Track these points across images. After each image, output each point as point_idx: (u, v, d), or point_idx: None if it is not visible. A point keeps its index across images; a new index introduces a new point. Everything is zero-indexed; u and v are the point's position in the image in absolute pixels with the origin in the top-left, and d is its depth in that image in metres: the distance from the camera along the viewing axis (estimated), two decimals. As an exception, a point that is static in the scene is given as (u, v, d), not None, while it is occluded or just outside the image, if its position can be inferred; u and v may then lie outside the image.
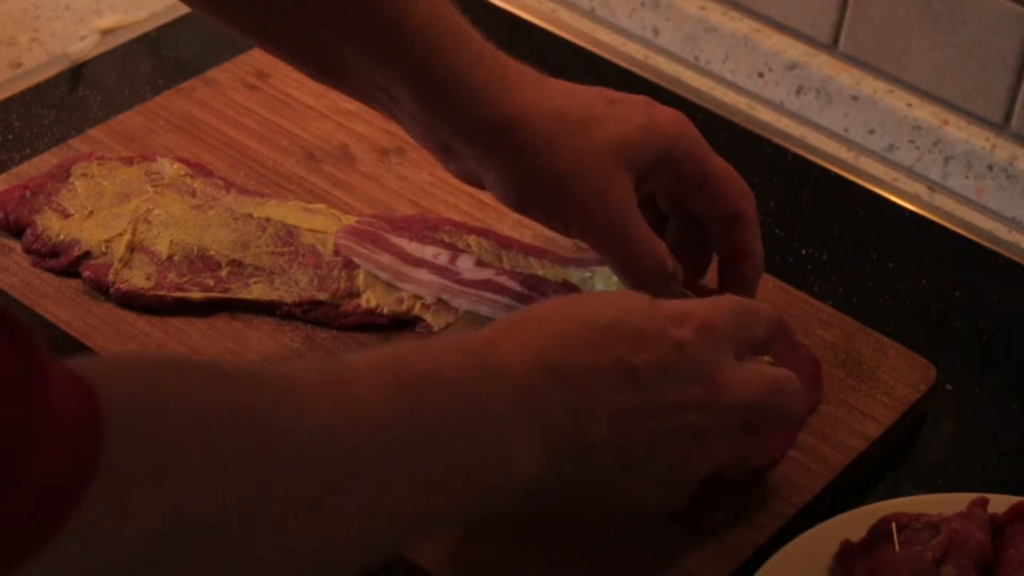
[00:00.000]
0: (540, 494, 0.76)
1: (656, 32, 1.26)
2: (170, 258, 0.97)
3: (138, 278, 0.95)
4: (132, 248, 0.97)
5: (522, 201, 0.89)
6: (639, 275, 0.88)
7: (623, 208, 0.87)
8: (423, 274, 0.96)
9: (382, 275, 0.96)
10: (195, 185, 1.01)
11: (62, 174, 1.02)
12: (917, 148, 1.17)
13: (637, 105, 0.89)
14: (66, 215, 0.99)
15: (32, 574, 0.56)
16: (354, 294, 0.96)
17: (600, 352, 0.77)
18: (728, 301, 0.84)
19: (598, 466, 0.77)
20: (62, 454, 0.56)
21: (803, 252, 1.08)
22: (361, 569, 0.70)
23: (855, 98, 1.19)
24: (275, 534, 0.64)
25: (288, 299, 0.95)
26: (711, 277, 0.95)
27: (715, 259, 0.94)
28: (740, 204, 0.91)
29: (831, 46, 1.20)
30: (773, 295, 0.99)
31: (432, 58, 0.85)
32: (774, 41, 1.22)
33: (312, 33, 0.86)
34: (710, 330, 0.80)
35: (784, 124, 1.21)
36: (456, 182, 0.93)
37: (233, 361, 0.80)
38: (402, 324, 0.95)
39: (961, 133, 1.16)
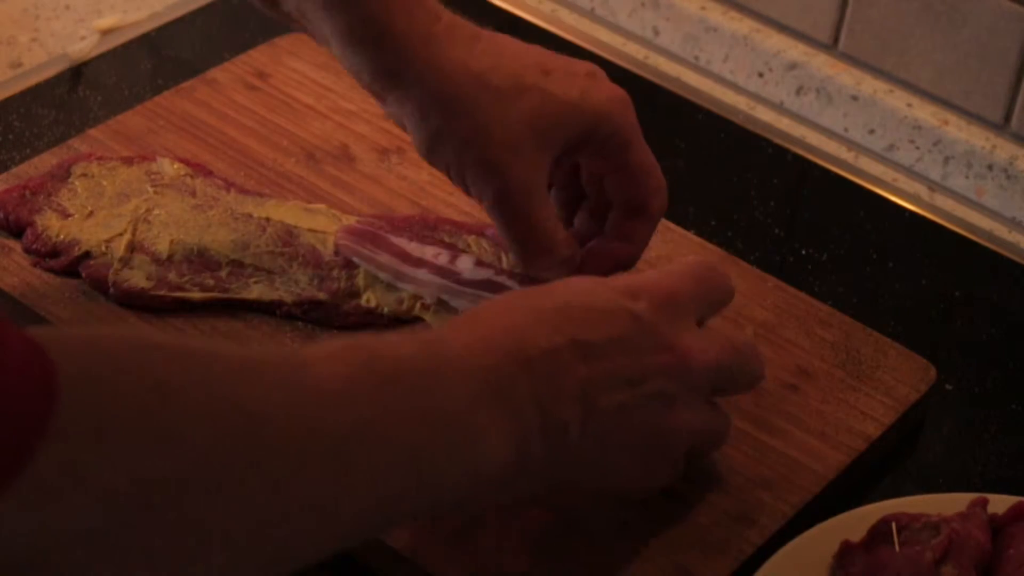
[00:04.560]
0: (518, 481, 0.75)
1: (656, 32, 1.26)
2: (170, 258, 0.97)
3: (138, 278, 0.95)
4: (132, 248, 0.97)
5: (429, 155, 0.89)
6: (528, 256, 0.88)
7: (523, 186, 0.87)
8: (423, 274, 0.96)
9: (382, 275, 0.96)
10: (195, 185, 1.02)
11: (62, 174, 1.02)
12: (917, 148, 1.17)
13: (574, 77, 0.88)
14: (66, 215, 0.99)
15: None
16: (354, 294, 0.96)
17: (555, 335, 0.77)
18: (687, 266, 0.84)
19: (574, 447, 0.77)
20: (11, 411, 0.55)
21: (803, 252, 1.08)
22: (331, 552, 0.69)
23: (855, 98, 1.19)
24: (237, 507, 0.63)
25: (288, 299, 0.95)
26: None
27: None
28: (649, 198, 0.91)
29: (831, 46, 1.20)
30: (773, 295, 0.99)
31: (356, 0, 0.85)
32: (774, 41, 1.22)
33: None
34: (667, 298, 0.81)
35: (784, 124, 1.21)
36: (456, 182, 0.93)
37: (197, 337, 0.78)
38: (402, 324, 0.95)
39: (961, 133, 1.16)
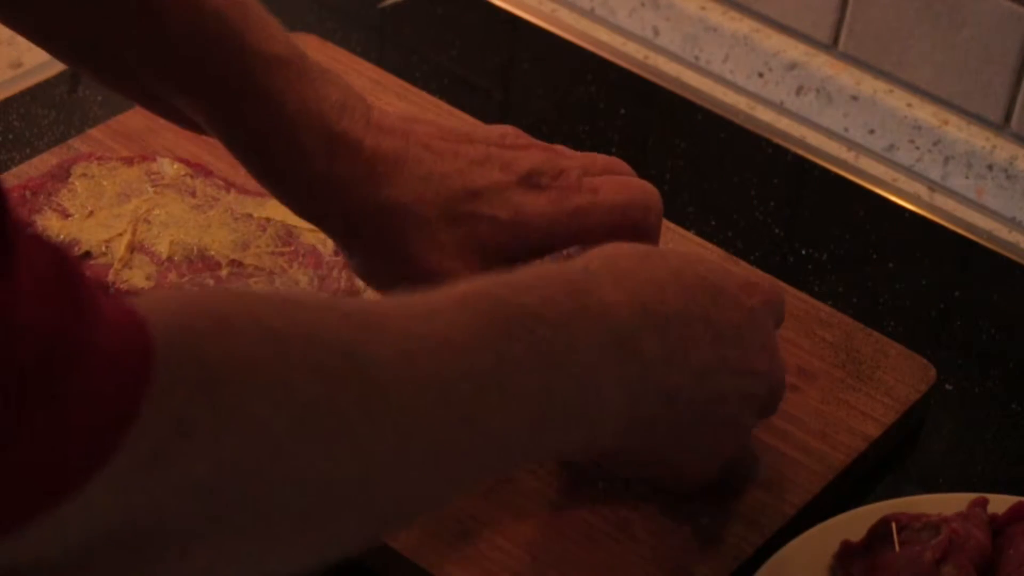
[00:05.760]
0: (622, 435, 0.76)
1: (656, 32, 1.26)
2: (170, 258, 0.97)
3: (138, 278, 0.95)
4: (132, 248, 0.97)
5: (374, 287, 0.89)
6: None
7: None
8: (423, 274, 0.96)
9: (382, 275, 0.96)
10: (195, 185, 1.02)
11: (62, 174, 1.02)
12: (917, 148, 1.17)
13: (504, 193, 0.85)
14: (66, 215, 0.99)
15: (96, 494, 0.54)
16: (354, 294, 0.96)
17: (691, 304, 0.78)
18: (772, 280, 0.87)
19: (676, 415, 0.78)
20: (115, 370, 0.54)
21: (803, 252, 1.08)
22: (445, 504, 0.70)
23: (855, 98, 1.19)
24: (351, 458, 0.61)
25: (288, 299, 0.95)
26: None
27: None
28: (636, 231, 0.87)
29: (831, 46, 1.20)
30: (773, 295, 1.00)
31: (268, 145, 0.82)
32: (774, 41, 1.22)
33: (157, 96, 0.84)
34: (769, 303, 0.83)
35: (784, 124, 1.21)
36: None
37: (307, 292, 0.77)
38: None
39: (961, 133, 1.16)
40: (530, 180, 0.86)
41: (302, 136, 0.82)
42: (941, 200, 1.16)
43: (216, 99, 0.82)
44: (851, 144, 1.20)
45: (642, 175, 0.89)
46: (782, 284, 0.90)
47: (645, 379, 0.75)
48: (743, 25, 1.23)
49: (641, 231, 0.87)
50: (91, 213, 0.99)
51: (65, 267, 0.54)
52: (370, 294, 0.96)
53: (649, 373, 0.76)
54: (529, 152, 0.87)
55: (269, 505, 0.59)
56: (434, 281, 0.82)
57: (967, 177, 1.16)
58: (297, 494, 0.60)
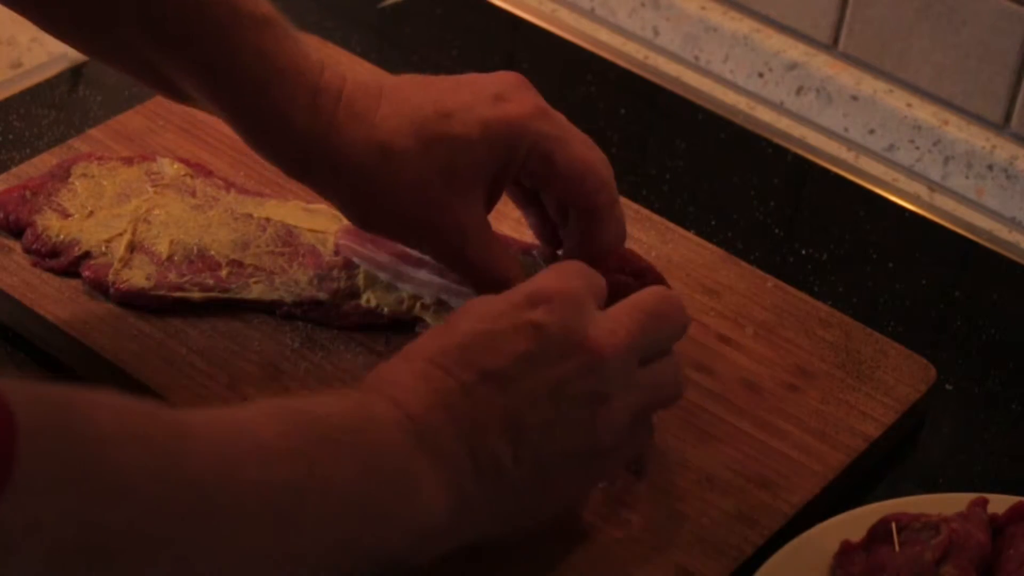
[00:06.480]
0: (463, 524, 0.75)
1: (656, 32, 1.26)
2: (170, 258, 0.97)
3: (138, 278, 0.95)
4: (132, 248, 0.97)
5: (365, 228, 0.91)
6: (484, 290, 0.86)
7: (459, 235, 0.88)
8: (423, 274, 0.96)
9: (382, 275, 0.96)
10: (195, 185, 1.01)
11: (62, 174, 1.02)
12: (917, 148, 1.17)
13: (475, 110, 0.88)
14: (66, 215, 0.99)
15: None
16: (354, 294, 0.96)
17: (464, 372, 0.76)
18: (569, 265, 0.83)
19: (511, 478, 0.76)
20: None
21: (803, 252, 1.08)
22: None
23: (855, 98, 1.19)
24: (181, 562, 0.64)
25: (288, 299, 0.95)
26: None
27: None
28: (591, 198, 0.89)
29: (831, 46, 1.20)
30: (773, 295, 0.99)
31: (260, 97, 0.86)
32: (774, 41, 1.22)
33: (145, 59, 0.87)
34: (562, 298, 0.79)
35: (784, 124, 1.21)
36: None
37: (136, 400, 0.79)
38: (402, 324, 0.95)
39: (961, 133, 1.16)
40: (499, 97, 0.88)
41: (290, 88, 0.86)
42: (941, 200, 1.16)
43: (209, 58, 0.85)
44: (851, 144, 1.20)
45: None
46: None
47: (456, 468, 0.74)
48: (743, 25, 1.23)
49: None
50: (91, 213, 0.99)
51: None
52: (370, 295, 0.96)
53: (456, 460, 0.75)
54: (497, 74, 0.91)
55: None
56: (421, 218, 0.87)
57: (967, 177, 1.16)
58: None
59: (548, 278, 0.81)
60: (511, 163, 0.88)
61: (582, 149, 0.89)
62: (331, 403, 0.74)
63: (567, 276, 0.81)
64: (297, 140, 0.87)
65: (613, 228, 0.91)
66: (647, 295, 0.82)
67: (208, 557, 0.65)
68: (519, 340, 0.77)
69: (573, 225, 0.91)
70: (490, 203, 0.90)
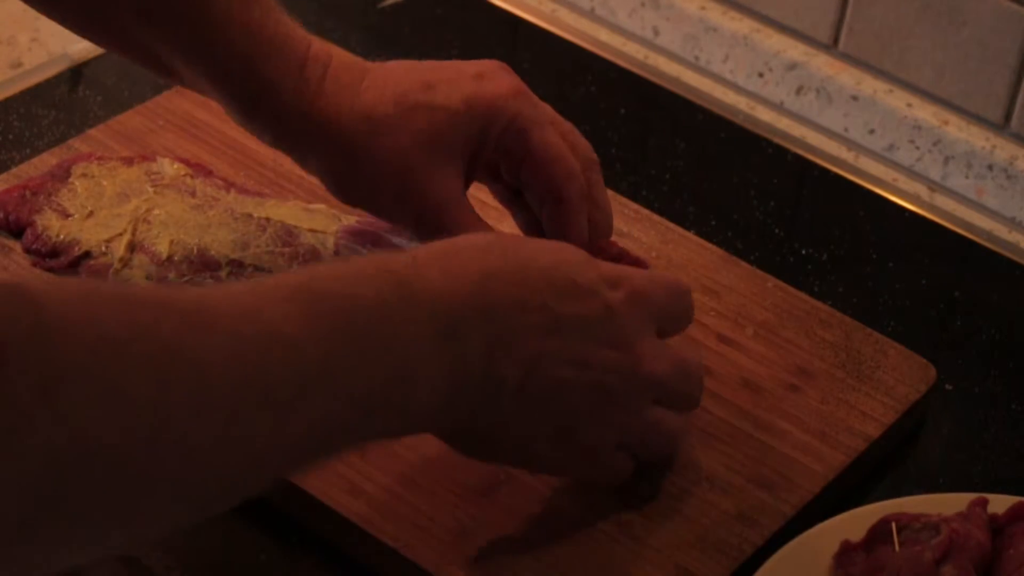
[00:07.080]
0: (438, 420, 0.77)
1: (656, 32, 1.26)
2: (170, 258, 0.97)
3: (138, 278, 0.95)
4: (132, 248, 0.97)
5: (344, 198, 0.92)
6: None
7: (436, 205, 0.89)
8: (423, 274, 0.96)
9: (382, 275, 0.96)
10: (195, 185, 1.02)
11: (62, 174, 1.02)
12: (917, 148, 1.17)
13: (458, 83, 0.90)
14: (66, 215, 0.99)
15: None
16: (354, 294, 0.96)
17: (530, 294, 0.78)
18: (664, 277, 0.86)
19: (501, 405, 0.78)
20: None
21: (803, 252, 1.08)
22: (264, 486, 0.70)
23: (855, 98, 1.19)
24: (179, 457, 0.64)
25: (288, 299, 0.95)
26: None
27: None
28: (562, 186, 0.90)
29: (831, 46, 1.20)
30: (773, 295, 0.99)
31: (248, 70, 0.88)
32: (774, 41, 1.22)
33: (138, 39, 0.89)
34: (641, 300, 0.82)
35: (784, 124, 1.21)
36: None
37: (150, 286, 0.80)
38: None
39: (961, 133, 1.16)
40: (481, 75, 0.90)
41: (278, 60, 0.88)
42: (941, 200, 1.16)
43: (198, 29, 0.88)
44: (851, 144, 1.20)
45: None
46: (683, 282, 0.87)
47: (468, 367, 0.76)
48: (743, 25, 1.23)
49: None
50: (91, 213, 0.99)
51: None
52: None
53: (473, 361, 0.76)
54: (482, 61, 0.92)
55: (96, 503, 0.62)
56: (399, 187, 0.88)
57: (967, 177, 1.16)
58: (125, 493, 0.63)
59: (640, 274, 0.84)
60: (488, 139, 0.90)
61: (555, 136, 0.90)
62: (362, 278, 0.74)
63: (655, 283, 0.84)
64: (284, 110, 0.88)
65: (583, 220, 0.92)
66: (694, 361, 0.85)
67: (206, 450, 0.65)
68: (590, 304, 0.80)
69: (547, 221, 0.91)
70: (467, 180, 0.91)
